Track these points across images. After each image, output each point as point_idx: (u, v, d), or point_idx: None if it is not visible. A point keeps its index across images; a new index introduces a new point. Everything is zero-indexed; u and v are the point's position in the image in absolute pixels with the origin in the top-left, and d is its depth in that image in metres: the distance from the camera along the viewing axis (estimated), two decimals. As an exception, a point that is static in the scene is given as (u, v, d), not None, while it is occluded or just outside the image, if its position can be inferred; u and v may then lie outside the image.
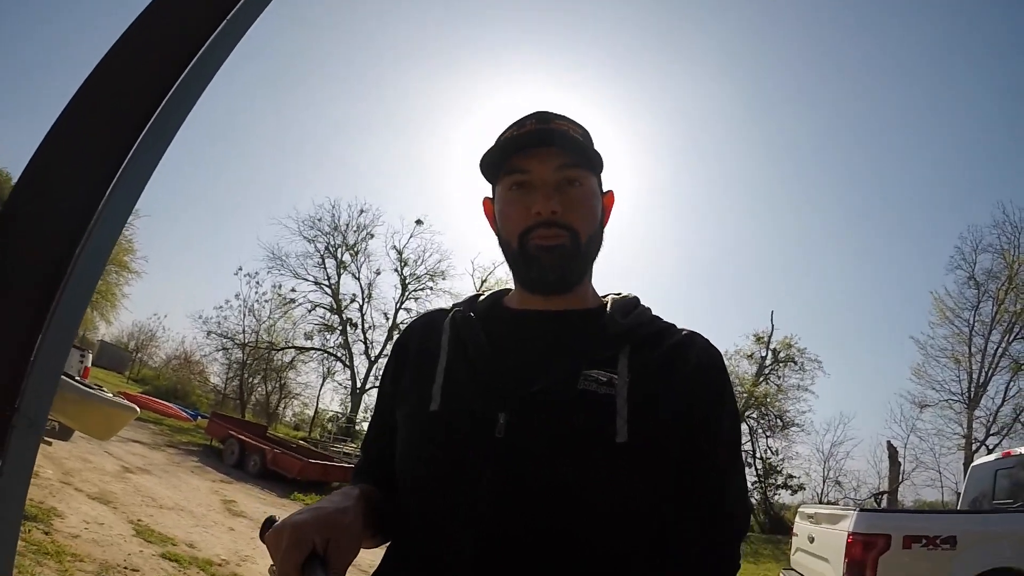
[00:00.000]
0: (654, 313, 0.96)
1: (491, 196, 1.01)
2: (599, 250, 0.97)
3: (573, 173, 0.92)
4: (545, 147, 0.91)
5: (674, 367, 0.87)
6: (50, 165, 0.83)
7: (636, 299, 0.97)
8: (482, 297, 1.03)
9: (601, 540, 0.79)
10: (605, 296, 0.99)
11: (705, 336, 0.93)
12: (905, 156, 32.55)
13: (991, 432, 19.55)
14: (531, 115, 0.94)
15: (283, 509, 9.37)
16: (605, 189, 1.00)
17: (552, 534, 0.78)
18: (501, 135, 0.96)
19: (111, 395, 6.85)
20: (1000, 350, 20.13)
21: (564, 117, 0.95)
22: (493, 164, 0.96)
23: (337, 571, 0.71)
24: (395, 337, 1.08)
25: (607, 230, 1.00)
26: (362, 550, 0.82)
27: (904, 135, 32.83)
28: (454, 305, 1.03)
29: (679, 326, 0.94)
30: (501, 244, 0.98)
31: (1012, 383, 19.73)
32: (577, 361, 0.85)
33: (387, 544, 0.94)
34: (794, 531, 6.50)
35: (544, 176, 0.91)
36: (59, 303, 0.80)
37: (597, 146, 0.97)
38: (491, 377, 0.87)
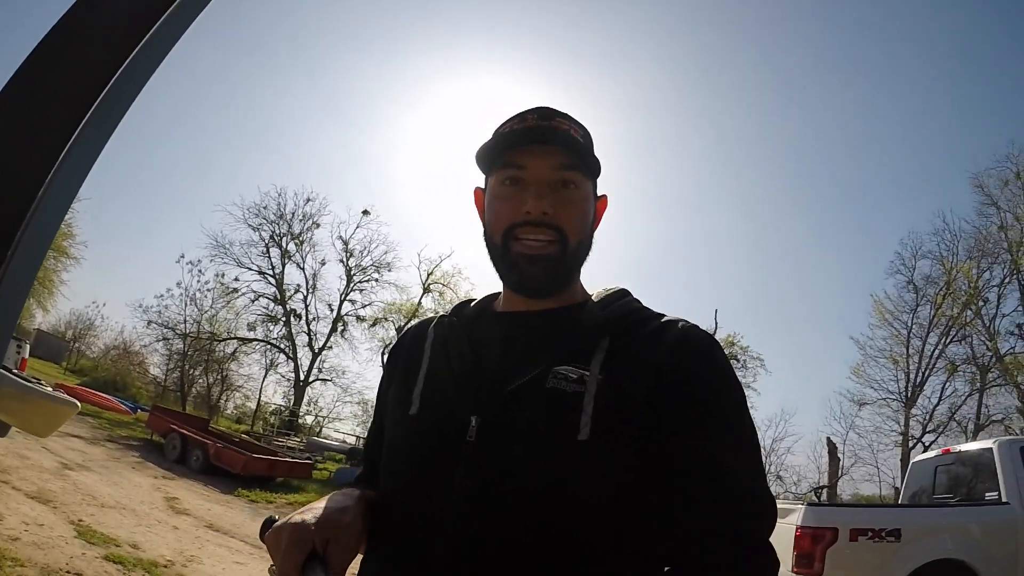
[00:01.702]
0: (642, 304, 0.92)
1: (483, 187, 0.98)
2: (587, 254, 0.95)
3: (570, 175, 0.89)
4: (545, 145, 0.88)
5: (649, 356, 0.82)
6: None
7: (624, 291, 0.95)
8: (473, 302, 1.03)
9: (568, 539, 0.76)
10: (591, 293, 0.96)
11: (695, 324, 0.87)
12: (850, 162, 33.87)
13: (927, 430, 20.61)
14: (533, 110, 0.91)
15: (227, 506, 9.15)
16: (600, 195, 0.98)
17: (521, 536, 0.77)
18: (500, 127, 0.93)
19: (50, 389, 6.50)
20: (937, 352, 21.22)
21: (567, 116, 0.92)
22: (489, 156, 0.93)
23: (337, 571, 0.71)
24: (391, 342, 1.05)
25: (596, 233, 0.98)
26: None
27: (849, 140, 34.12)
28: (441, 314, 1.03)
29: (668, 315, 0.89)
30: (485, 236, 0.95)
31: (948, 383, 20.90)
32: (548, 359, 0.83)
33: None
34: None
35: (540, 174, 0.89)
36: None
37: (596, 150, 0.95)
38: (470, 380, 0.87)
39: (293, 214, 26.22)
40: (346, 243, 26.28)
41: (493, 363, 0.87)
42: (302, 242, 26.16)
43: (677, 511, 0.77)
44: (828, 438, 21.05)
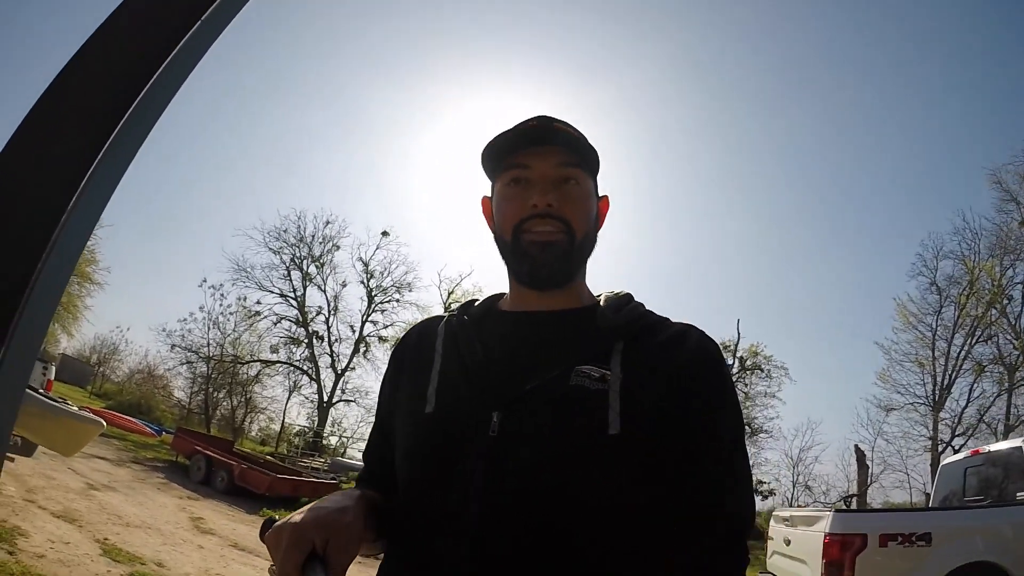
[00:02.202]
0: (647, 308, 0.96)
1: (490, 196, 1.01)
2: (592, 250, 0.98)
3: (572, 172, 0.94)
4: (547, 145, 0.93)
5: (668, 360, 0.86)
6: (12, 175, 0.79)
7: (629, 295, 0.98)
8: (478, 302, 1.04)
9: (596, 534, 0.78)
10: (598, 295, 0.99)
11: (701, 329, 0.92)
12: (866, 164, 33.52)
13: (956, 433, 20.13)
14: (533, 117, 0.95)
15: (252, 526, 9.17)
16: (601, 195, 1.02)
17: (546, 530, 0.77)
18: (502, 132, 0.96)
19: (75, 408, 6.62)
20: (963, 353, 20.78)
21: (564, 122, 0.95)
22: (494, 159, 0.97)
23: (337, 571, 0.71)
24: (393, 347, 1.08)
25: (599, 234, 1.01)
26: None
27: (865, 142, 33.81)
28: (448, 312, 1.03)
29: (673, 320, 0.94)
30: (496, 239, 0.98)
31: (975, 385, 20.39)
32: (569, 358, 0.86)
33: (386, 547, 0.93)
34: (769, 535, 6.56)
35: (544, 172, 0.93)
36: (23, 314, 0.76)
37: (597, 153, 0.99)
38: (485, 378, 0.88)
39: (313, 237, 26.50)
40: (366, 264, 26.52)
41: (508, 361, 0.89)
42: (323, 264, 26.40)
43: (677, 521, 0.82)
44: (856, 445, 20.63)
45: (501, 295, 1.04)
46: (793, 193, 36.91)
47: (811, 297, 36.26)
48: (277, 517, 0.76)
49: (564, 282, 0.94)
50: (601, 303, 0.95)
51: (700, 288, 38.20)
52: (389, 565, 0.89)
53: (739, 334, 22.84)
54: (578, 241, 0.92)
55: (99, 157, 0.80)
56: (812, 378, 35.34)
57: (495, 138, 0.95)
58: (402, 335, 1.07)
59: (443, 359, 0.93)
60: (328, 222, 26.67)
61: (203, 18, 0.89)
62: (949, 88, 31.65)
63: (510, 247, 0.94)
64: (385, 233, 26.43)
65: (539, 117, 0.94)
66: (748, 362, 22.51)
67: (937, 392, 20.77)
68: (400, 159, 42.13)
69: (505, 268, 0.98)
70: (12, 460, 6.97)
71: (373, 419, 1.07)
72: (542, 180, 0.92)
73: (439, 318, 1.03)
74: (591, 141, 0.98)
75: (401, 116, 43.52)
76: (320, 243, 26.55)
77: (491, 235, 1.00)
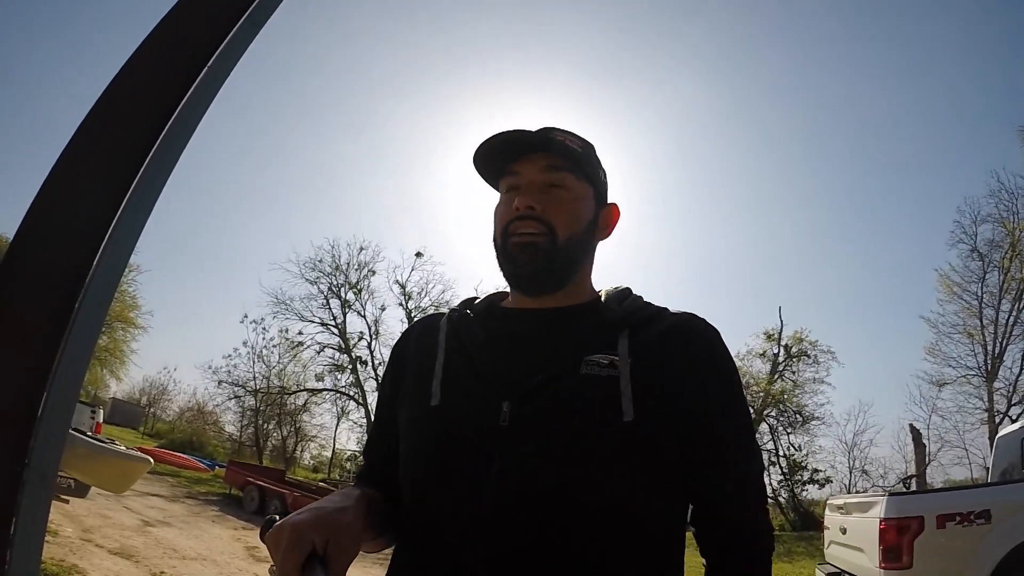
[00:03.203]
0: (646, 300, 0.98)
1: None
2: (584, 256, 0.98)
3: (558, 176, 0.95)
4: (529, 151, 0.95)
5: (674, 348, 0.88)
6: (45, 219, 0.84)
7: (629, 289, 0.99)
8: (478, 300, 1.05)
9: (611, 522, 0.79)
10: (599, 291, 1.01)
11: (701, 317, 0.95)
12: (894, 134, 32.66)
13: (1012, 402, 19.32)
14: (514, 128, 0.96)
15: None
16: (609, 202, 1.03)
17: (563, 519, 0.78)
18: (484, 140, 0.98)
19: (123, 447, 6.82)
20: (1012, 319, 19.94)
21: (556, 128, 0.97)
22: (490, 171, 1.00)
23: (337, 571, 0.71)
24: (394, 345, 1.10)
25: (610, 243, 1.03)
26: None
27: (892, 112, 32.97)
28: (450, 308, 1.04)
29: (672, 309, 0.95)
30: (493, 244, 1.00)
31: (1028, 350, 19.55)
32: (578, 348, 0.87)
33: (393, 546, 0.93)
34: (825, 524, 6.40)
35: (531, 177, 0.95)
36: (63, 357, 0.80)
37: (598, 158, 1.00)
38: (492, 369, 0.89)
39: (348, 264, 26.62)
40: (403, 286, 26.50)
41: (515, 353, 0.90)
42: (360, 290, 26.48)
43: (698, 481, 0.88)
44: (911, 425, 19.91)
45: (504, 294, 1.05)
46: (823, 172, 36.15)
47: (851, 277, 35.36)
48: (278, 517, 0.76)
49: (552, 286, 0.94)
50: (602, 298, 0.96)
51: (740, 279, 37.60)
52: (403, 559, 0.89)
53: (782, 322, 22.30)
54: (561, 243, 0.92)
55: (127, 196, 0.85)
56: (860, 359, 34.32)
57: (478, 149, 0.97)
58: (402, 332, 1.08)
59: (447, 353, 0.94)
60: (362, 248, 26.82)
61: (222, 46, 0.92)
62: (968, 46, 30.75)
63: (499, 250, 0.96)
64: (419, 254, 26.53)
65: (519, 128, 0.95)
66: (794, 349, 21.92)
67: (989, 362, 19.96)
68: (429, 178, 42.61)
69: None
70: (67, 502, 7.19)
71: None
72: (529, 185, 0.94)
73: (440, 315, 1.03)
74: (593, 146, 0.99)
75: (428, 135, 43.89)
76: (356, 269, 26.72)
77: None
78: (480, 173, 1.01)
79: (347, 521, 0.76)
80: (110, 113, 0.89)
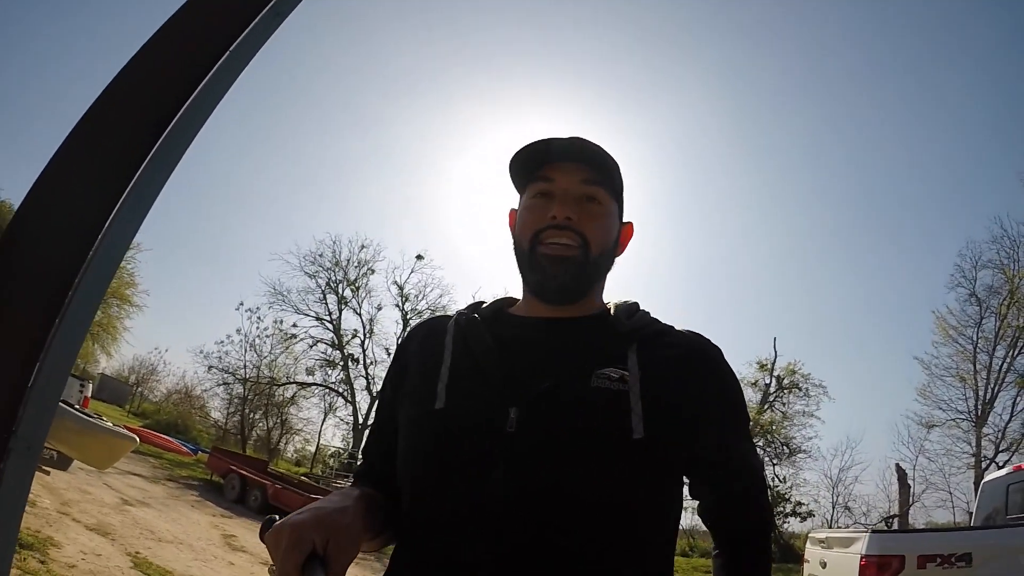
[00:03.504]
0: (653, 316, 0.99)
1: (516, 208, 1.04)
2: (608, 270, 1.00)
3: (595, 190, 0.96)
4: (573, 161, 0.95)
5: (683, 366, 0.90)
6: (52, 193, 0.84)
7: (637, 304, 1.00)
8: (485, 304, 1.05)
9: (618, 536, 0.80)
10: (607, 303, 1.01)
11: (706, 336, 0.97)
12: (900, 175, 32.80)
13: (1000, 449, 19.30)
14: (563, 136, 0.97)
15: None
16: (625, 221, 1.04)
17: (567, 529, 0.78)
18: (531, 142, 0.98)
19: (110, 424, 6.80)
20: (1005, 366, 19.98)
21: (593, 142, 0.97)
22: (522, 170, 1.00)
23: (337, 571, 0.71)
24: (398, 345, 1.10)
25: (621, 259, 1.04)
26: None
27: (898, 153, 33.13)
28: (457, 311, 1.03)
29: (678, 327, 0.97)
30: (514, 248, 1.00)
31: (1019, 398, 19.57)
32: (588, 359, 0.87)
33: (393, 546, 0.93)
34: (805, 557, 6.40)
35: (567, 187, 0.96)
36: (59, 328, 0.80)
37: (623, 176, 1.02)
38: (498, 375, 0.88)
39: (348, 261, 26.71)
40: (401, 288, 26.58)
41: (523, 359, 0.89)
42: (358, 288, 26.53)
43: (705, 474, 0.96)
44: (897, 464, 19.89)
45: (511, 299, 1.05)
46: (826, 207, 36.30)
47: (848, 313, 35.37)
48: (277, 517, 0.76)
49: (576, 299, 0.95)
50: (611, 310, 0.97)
51: (736, 307, 37.65)
52: (402, 561, 0.88)
53: (775, 352, 22.30)
54: (593, 257, 0.93)
55: (135, 178, 0.84)
56: (851, 396, 34.33)
57: (523, 147, 0.97)
58: (407, 332, 1.08)
59: (454, 355, 0.93)
60: (363, 246, 26.92)
61: (236, 44, 0.92)
62: (978, 92, 30.95)
63: (526, 257, 0.95)
64: (420, 257, 26.60)
65: (570, 136, 0.96)
66: (785, 380, 21.94)
67: (979, 407, 19.98)
68: (434, 182, 42.58)
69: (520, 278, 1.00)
70: (48, 473, 7.15)
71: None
72: (565, 194, 0.94)
73: (447, 317, 1.02)
74: (620, 165, 1.00)
75: (435, 140, 44.16)
76: (355, 267, 26.81)
77: (512, 245, 1.02)
78: (512, 173, 1.02)
79: (347, 521, 0.76)
80: (124, 94, 0.89)
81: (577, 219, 0.92)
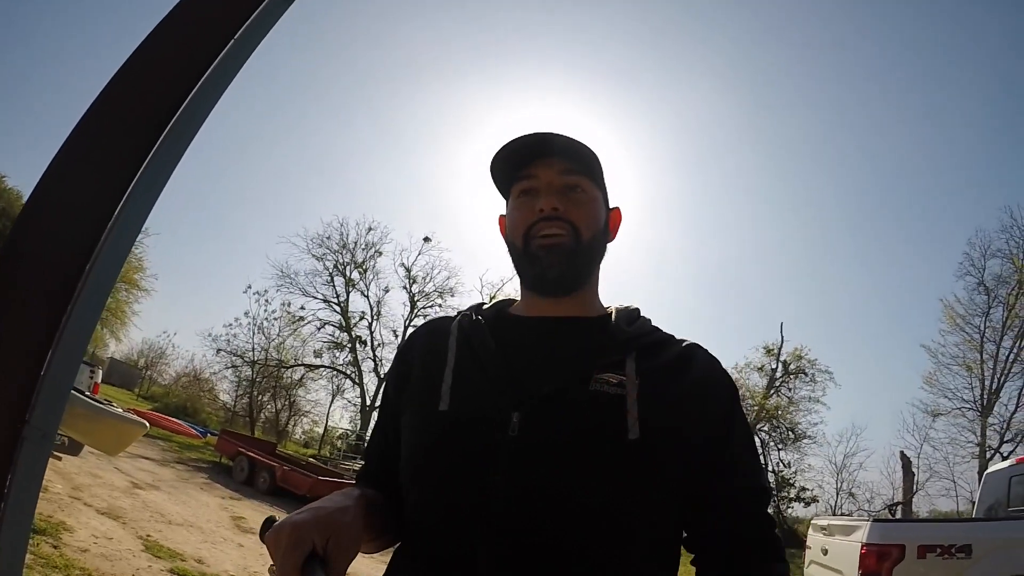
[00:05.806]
0: (655, 324, 1.00)
1: (504, 213, 1.05)
2: (602, 257, 1.01)
3: (576, 179, 0.98)
4: (547, 156, 0.96)
5: (681, 374, 0.90)
6: (61, 182, 0.85)
7: (638, 310, 1.01)
8: (486, 305, 1.06)
9: (616, 538, 0.81)
10: (608, 307, 1.02)
11: (705, 347, 0.97)
12: (911, 163, 32.48)
13: (1005, 439, 19.32)
14: (530, 132, 0.98)
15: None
16: (612, 206, 1.05)
17: (567, 532, 0.79)
18: (502, 147, 0.99)
19: (121, 410, 6.87)
20: (1012, 356, 19.92)
21: (564, 134, 0.98)
22: (503, 175, 1.01)
23: (337, 571, 0.71)
24: (400, 345, 1.11)
25: (614, 246, 1.05)
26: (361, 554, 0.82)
27: (909, 141, 32.80)
28: (459, 312, 1.05)
29: (678, 337, 0.98)
30: (508, 249, 1.01)
31: (1025, 388, 19.49)
32: (588, 364, 0.88)
33: (393, 546, 0.94)
34: (807, 543, 6.43)
35: (550, 180, 0.97)
36: (70, 317, 0.81)
37: (603, 164, 1.01)
38: (503, 378, 0.89)
39: (356, 243, 26.78)
40: (408, 270, 26.66)
41: (526, 362, 0.91)
42: (365, 270, 26.62)
43: (709, 496, 0.89)
44: (902, 452, 19.95)
45: (512, 300, 1.06)
46: (836, 193, 36.02)
47: (857, 300, 35.26)
48: (277, 517, 0.76)
49: (572, 287, 0.96)
50: (612, 315, 0.98)
51: (744, 293, 37.54)
52: (402, 562, 0.90)
53: (783, 337, 22.27)
54: (584, 243, 0.95)
55: (143, 166, 0.85)
56: (857, 382, 34.14)
57: (499, 152, 0.99)
58: (409, 333, 1.09)
59: (457, 357, 0.94)
60: (371, 228, 26.96)
61: (243, 28, 0.92)
62: (994, 83, 30.50)
63: (521, 253, 0.97)
64: (427, 239, 26.65)
65: (536, 132, 0.97)
66: (792, 366, 21.91)
67: (985, 396, 19.95)
68: (442, 165, 42.58)
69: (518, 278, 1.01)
70: (59, 459, 7.24)
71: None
72: (548, 187, 0.96)
73: (449, 318, 1.04)
74: (598, 153, 1.00)
75: (443, 123, 43.95)
76: (363, 249, 26.88)
77: (506, 248, 1.03)
78: (495, 179, 1.02)
79: (347, 521, 0.76)
80: (133, 80, 0.89)
81: (564, 208, 0.94)
